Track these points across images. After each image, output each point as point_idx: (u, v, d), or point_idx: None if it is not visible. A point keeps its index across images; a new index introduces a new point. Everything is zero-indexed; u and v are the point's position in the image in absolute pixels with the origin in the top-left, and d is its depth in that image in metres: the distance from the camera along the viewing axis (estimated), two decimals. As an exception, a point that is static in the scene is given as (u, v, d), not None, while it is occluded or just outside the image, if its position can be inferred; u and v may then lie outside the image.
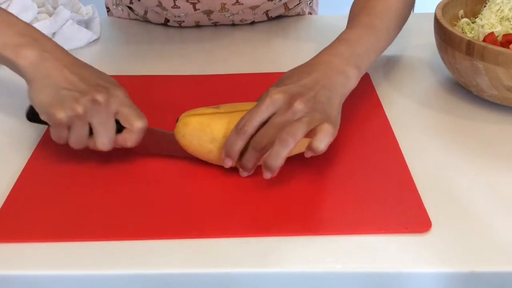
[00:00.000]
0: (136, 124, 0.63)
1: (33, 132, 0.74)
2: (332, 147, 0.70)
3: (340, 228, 0.58)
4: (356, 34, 0.74)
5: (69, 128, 0.63)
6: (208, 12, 0.98)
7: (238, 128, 0.62)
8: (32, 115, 0.65)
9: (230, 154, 0.62)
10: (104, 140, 0.63)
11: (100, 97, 0.62)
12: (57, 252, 0.56)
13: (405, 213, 0.60)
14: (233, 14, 0.99)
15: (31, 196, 0.63)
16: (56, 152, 0.70)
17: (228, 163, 0.62)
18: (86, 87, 0.63)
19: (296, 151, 0.62)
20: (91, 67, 0.67)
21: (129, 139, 0.64)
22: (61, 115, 0.61)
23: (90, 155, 0.70)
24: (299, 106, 0.61)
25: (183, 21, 1.00)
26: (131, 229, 0.59)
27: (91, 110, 0.61)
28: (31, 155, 0.70)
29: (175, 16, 0.98)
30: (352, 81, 0.69)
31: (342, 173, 0.66)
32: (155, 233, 0.58)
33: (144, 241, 0.57)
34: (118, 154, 0.68)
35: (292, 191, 0.62)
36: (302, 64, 0.70)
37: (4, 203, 0.62)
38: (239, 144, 0.61)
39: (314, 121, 0.61)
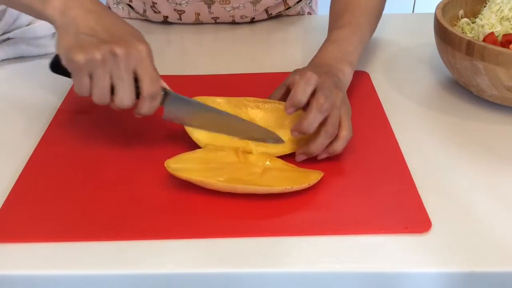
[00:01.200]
0: (146, 88, 0.62)
1: (33, 132, 0.74)
2: (332, 147, 0.70)
3: (340, 228, 0.58)
4: (345, 34, 0.80)
5: (91, 78, 0.62)
6: (209, 2, 0.98)
7: (319, 109, 0.64)
8: (56, 65, 0.65)
9: (309, 128, 0.65)
10: (122, 96, 0.62)
11: (118, 50, 0.61)
12: (57, 252, 0.56)
13: (405, 213, 0.60)
14: (234, 8, 0.99)
15: (31, 196, 0.63)
16: (56, 152, 0.70)
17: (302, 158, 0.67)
18: (107, 37, 0.62)
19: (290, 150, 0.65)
20: (119, 18, 0.66)
21: (142, 106, 0.64)
22: (79, 57, 0.60)
23: (90, 155, 0.70)
24: (328, 82, 0.67)
25: (183, 11, 1.00)
26: (131, 229, 0.59)
27: (110, 61, 0.61)
28: (31, 155, 0.70)
29: (176, 4, 0.98)
30: (348, 76, 0.76)
31: (342, 173, 0.66)
32: (155, 233, 0.58)
33: (144, 241, 0.57)
34: (118, 154, 0.68)
35: (292, 191, 0.62)
36: (305, 67, 0.74)
37: (4, 203, 0.62)
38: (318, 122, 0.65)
39: (341, 104, 0.67)
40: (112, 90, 0.63)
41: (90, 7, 0.64)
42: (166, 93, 0.66)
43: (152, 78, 0.63)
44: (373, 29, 0.86)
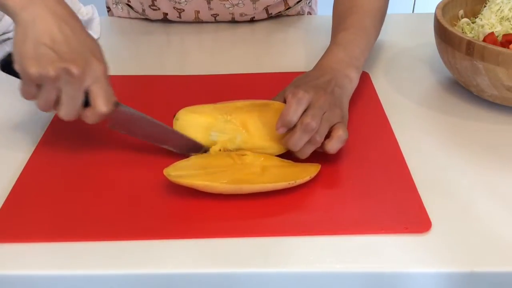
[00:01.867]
0: (99, 107, 0.62)
1: (34, 132, 0.74)
2: (332, 147, 0.70)
3: (340, 228, 0.58)
4: (351, 37, 0.79)
5: (39, 87, 0.61)
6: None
7: (303, 129, 0.63)
8: (7, 64, 0.62)
9: (295, 147, 0.64)
10: (65, 112, 0.62)
11: (75, 70, 0.59)
12: (57, 252, 0.56)
13: (405, 213, 0.60)
14: (233, 5, 0.99)
15: (31, 196, 0.63)
16: (56, 153, 0.70)
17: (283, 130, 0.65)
18: (67, 52, 0.60)
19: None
20: (82, 27, 0.64)
21: (89, 117, 0.63)
22: (33, 70, 0.59)
23: (90, 155, 0.70)
24: (322, 100, 0.66)
25: (183, 10, 1.00)
26: (131, 229, 0.59)
27: (63, 79, 0.60)
28: (31, 155, 0.70)
29: (176, 2, 0.98)
30: (354, 81, 0.75)
31: (342, 173, 0.66)
32: (155, 233, 0.58)
33: (144, 241, 0.57)
34: (118, 154, 0.68)
35: (292, 191, 0.62)
36: (310, 72, 0.74)
37: (4, 203, 0.62)
38: (304, 140, 0.64)
39: (335, 118, 0.67)
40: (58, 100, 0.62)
41: (55, 8, 0.61)
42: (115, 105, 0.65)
43: (106, 98, 0.63)
44: (378, 32, 0.85)
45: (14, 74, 0.63)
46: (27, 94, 0.63)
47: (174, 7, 1.00)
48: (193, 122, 0.67)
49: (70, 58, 0.60)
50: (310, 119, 0.63)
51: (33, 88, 0.62)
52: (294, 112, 0.64)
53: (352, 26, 0.80)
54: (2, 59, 0.63)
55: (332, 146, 0.65)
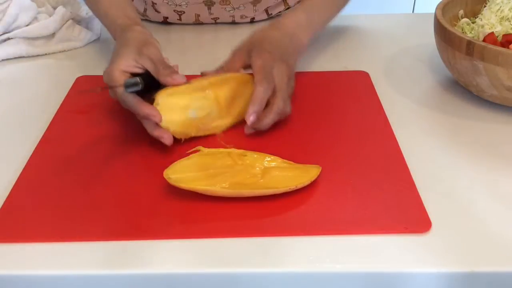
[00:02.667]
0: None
1: (33, 132, 0.74)
2: (332, 146, 0.70)
3: (340, 228, 0.58)
4: (318, 4, 0.86)
5: None
6: (209, 4, 0.98)
7: (263, 84, 0.70)
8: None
9: (258, 111, 0.71)
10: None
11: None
12: (57, 252, 0.56)
13: (405, 213, 0.60)
14: (234, 9, 0.99)
15: (31, 196, 0.63)
16: (56, 153, 0.70)
17: (253, 119, 0.70)
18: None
19: None
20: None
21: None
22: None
23: (90, 155, 0.70)
24: (286, 79, 0.73)
25: (183, 12, 1.00)
26: (131, 229, 0.59)
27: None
28: (31, 155, 0.70)
29: (176, 5, 0.98)
30: (305, 48, 0.82)
31: (342, 173, 0.66)
32: (155, 233, 0.58)
33: (144, 241, 0.57)
34: (118, 154, 0.68)
35: (292, 191, 0.62)
36: (271, 28, 0.80)
37: (4, 203, 0.62)
38: (266, 98, 0.71)
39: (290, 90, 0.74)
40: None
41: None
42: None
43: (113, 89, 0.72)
44: (341, 5, 0.89)
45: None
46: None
47: (174, 10, 1.00)
48: (172, 104, 0.68)
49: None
50: (282, 104, 0.71)
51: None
52: (263, 101, 0.70)
53: None
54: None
55: (267, 120, 0.71)
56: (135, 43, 0.73)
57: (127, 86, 0.67)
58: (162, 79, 0.69)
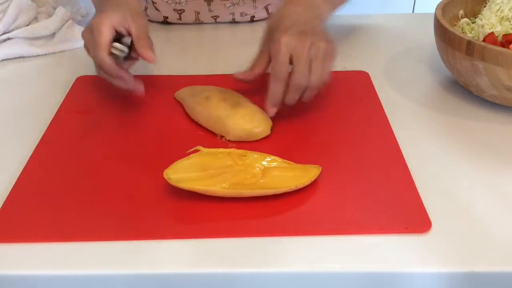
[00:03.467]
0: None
1: (33, 132, 0.74)
2: (332, 147, 0.70)
3: (340, 228, 0.58)
4: None
5: None
6: (209, 0, 0.98)
7: (276, 79, 0.70)
8: None
9: (275, 102, 0.71)
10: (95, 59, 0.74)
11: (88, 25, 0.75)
12: (57, 252, 0.56)
13: (405, 213, 0.60)
14: (233, 4, 0.99)
15: (31, 196, 0.63)
16: (56, 153, 0.70)
17: (274, 112, 0.72)
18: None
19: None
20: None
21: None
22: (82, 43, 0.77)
23: (90, 155, 0.70)
24: (308, 42, 0.70)
25: (183, 10, 1.00)
26: (131, 229, 0.59)
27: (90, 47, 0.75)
28: (31, 155, 0.69)
29: (176, 4, 0.98)
30: (326, 16, 0.80)
31: (342, 173, 0.66)
32: (155, 233, 0.58)
33: (144, 241, 0.57)
34: (118, 154, 0.68)
35: (292, 191, 0.62)
36: (285, 4, 0.77)
37: (4, 203, 0.62)
38: (281, 91, 0.71)
39: (322, 55, 0.71)
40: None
41: None
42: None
43: (94, 52, 0.73)
44: None
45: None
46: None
47: (174, 9, 1.00)
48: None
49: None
50: (301, 77, 0.69)
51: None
52: (277, 95, 0.70)
53: None
54: None
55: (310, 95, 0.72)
56: (129, 7, 0.75)
57: (115, 48, 0.71)
58: (139, 47, 0.72)
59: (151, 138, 0.72)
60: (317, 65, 0.70)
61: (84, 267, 0.55)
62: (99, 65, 0.73)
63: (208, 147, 0.66)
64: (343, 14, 0.91)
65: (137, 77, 0.85)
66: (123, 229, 0.59)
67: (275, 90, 0.70)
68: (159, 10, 1.01)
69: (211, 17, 1.02)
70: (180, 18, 1.02)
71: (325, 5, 0.80)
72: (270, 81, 0.70)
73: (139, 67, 0.89)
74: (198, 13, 1.01)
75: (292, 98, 0.71)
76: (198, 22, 1.03)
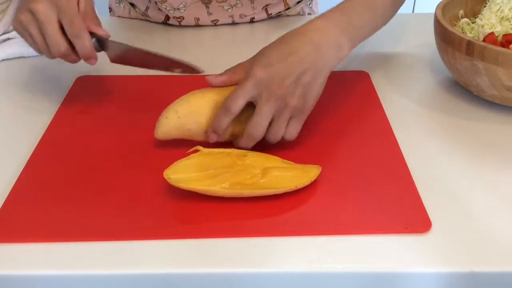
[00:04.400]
0: (68, 31, 0.70)
1: (33, 132, 0.74)
2: (332, 146, 0.70)
3: (340, 228, 0.58)
4: (355, 7, 0.72)
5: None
6: (207, 2, 0.98)
7: (224, 108, 0.66)
8: None
9: (216, 131, 0.67)
10: (51, 44, 0.70)
11: (33, 6, 0.68)
12: (57, 252, 0.56)
13: (405, 213, 0.60)
14: (232, 6, 0.99)
15: (31, 196, 0.63)
16: (57, 153, 0.70)
17: (214, 138, 0.67)
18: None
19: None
20: None
21: (76, 48, 0.72)
22: (14, 23, 0.72)
23: (90, 155, 0.70)
24: (280, 92, 0.64)
25: (183, 18, 1.00)
26: (130, 229, 0.59)
27: (32, 18, 0.69)
28: (31, 156, 0.70)
29: (174, 10, 0.98)
30: (344, 52, 0.69)
31: (342, 173, 0.66)
32: (155, 233, 0.58)
33: (144, 241, 0.57)
34: (118, 154, 0.68)
35: (292, 191, 0.62)
36: (294, 32, 0.69)
37: (4, 203, 0.62)
38: (225, 122, 0.66)
39: (291, 112, 0.66)
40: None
41: None
42: (100, 39, 0.74)
43: (70, 20, 0.69)
44: (387, 15, 0.77)
45: None
46: (31, 45, 0.73)
47: (173, 17, 1.00)
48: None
49: (32, 0, 0.69)
50: (251, 129, 0.65)
51: (29, 39, 0.72)
52: (223, 124, 0.66)
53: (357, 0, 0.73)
54: None
55: (288, 136, 0.67)
56: None
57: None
58: (92, 25, 0.73)
59: (151, 138, 0.72)
60: (277, 123, 0.66)
61: (83, 267, 0.55)
62: (72, 49, 0.72)
63: (208, 147, 0.66)
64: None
65: (137, 77, 0.86)
66: (123, 229, 0.59)
67: (219, 120, 0.66)
68: (161, 10, 1.01)
69: (211, 21, 1.02)
70: (180, 24, 1.02)
71: (344, 41, 0.69)
72: (220, 108, 0.66)
73: (139, 68, 0.89)
74: (198, 19, 1.01)
75: (245, 144, 0.67)
76: (198, 24, 1.03)
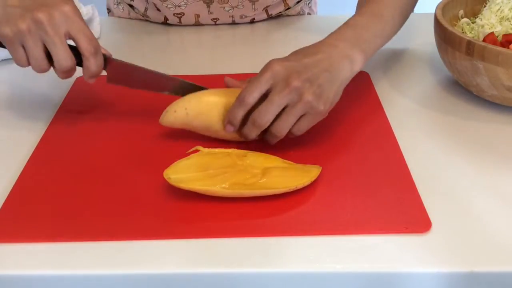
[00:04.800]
0: (85, 47, 0.65)
1: (33, 132, 0.74)
2: (332, 147, 0.70)
3: (340, 228, 0.58)
4: (363, 21, 0.74)
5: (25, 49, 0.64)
6: (208, 1, 0.98)
7: (239, 99, 0.65)
8: None
9: (232, 122, 0.66)
10: (59, 59, 0.65)
11: (41, 15, 0.62)
12: (57, 252, 0.56)
13: (405, 213, 0.60)
14: (233, 7, 0.99)
15: (31, 196, 0.63)
16: (56, 153, 0.70)
17: (230, 129, 0.67)
18: (31, 4, 0.64)
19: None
20: None
21: (88, 65, 0.67)
22: (6, 30, 0.63)
23: (90, 155, 0.70)
24: (296, 83, 0.64)
25: (183, 14, 1.00)
26: (130, 229, 0.59)
27: (35, 28, 0.63)
28: (31, 155, 0.70)
29: (175, 7, 0.98)
30: (357, 65, 0.70)
31: (342, 173, 0.66)
32: (155, 233, 0.58)
33: (144, 241, 0.57)
34: (118, 154, 0.68)
35: (292, 191, 0.62)
36: (309, 46, 0.71)
37: (4, 203, 0.62)
38: (240, 114, 0.65)
39: (304, 108, 0.65)
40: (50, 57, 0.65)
41: None
42: (105, 58, 0.69)
43: (87, 35, 0.65)
44: (397, 25, 0.79)
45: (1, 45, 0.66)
46: (19, 60, 0.66)
47: (174, 14, 1.00)
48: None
49: (35, 7, 0.63)
50: (258, 116, 0.64)
51: (20, 50, 0.65)
52: (237, 116, 0.65)
53: (367, 12, 0.76)
54: None
55: (296, 131, 0.66)
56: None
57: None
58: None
59: (151, 138, 0.72)
60: (287, 115, 0.64)
61: (83, 267, 0.55)
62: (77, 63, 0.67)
63: (208, 147, 0.66)
64: (344, 14, 0.91)
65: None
66: (123, 229, 0.59)
67: (234, 112, 0.65)
68: (159, 10, 1.01)
69: (211, 19, 1.02)
70: (180, 21, 1.02)
71: (356, 54, 0.70)
72: (236, 99, 0.66)
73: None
74: (198, 16, 1.01)
75: (248, 131, 0.66)
76: (198, 24, 1.03)
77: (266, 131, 0.66)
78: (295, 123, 0.65)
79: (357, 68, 0.70)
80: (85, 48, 0.65)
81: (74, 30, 0.65)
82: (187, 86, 0.72)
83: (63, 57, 0.65)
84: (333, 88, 0.67)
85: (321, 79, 0.65)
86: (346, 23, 0.74)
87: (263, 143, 0.68)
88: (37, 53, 0.65)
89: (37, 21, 0.63)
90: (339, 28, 0.73)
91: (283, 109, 0.64)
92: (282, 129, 0.65)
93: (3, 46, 0.68)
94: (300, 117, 0.65)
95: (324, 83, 0.66)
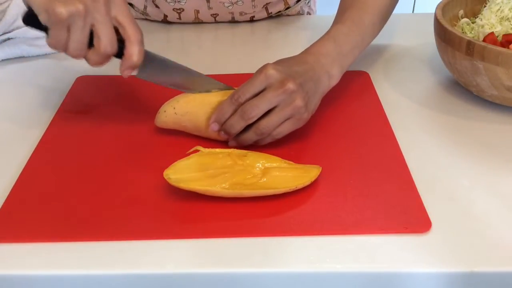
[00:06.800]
0: (133, 34, 0.64)
1: (33, 132, 0.74)
2: (332, 146, 0.70)
3: (340, 228, 0.58)
4: (344, 31, 0.77)
5: (68, 31, 0.61)
6: None
7: (232, 97, 0.67)
8: (30, 18, 0.62)
9: (219, 119, 0.67)
10: (105, 41, 0.62)
11: (91, 2, 0.60)
12: (57, 252, 0.56)
13: (405, 213, 0.60)
14: (232, 4, 0.99)
15: (31, 196, 0.63)
16: (57, 153, 0.70)
17: (215, 128, 0.68)
18: None
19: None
20: None
21: (132, 53, 0.64)
22: (61, 9, 0.59)
23: (90, 155, 0.70)
24: (290, 86, 0.66)
25: (183, 10, 1.00)
26: (130, 229, 0.59)
27: (91, 8, 0.60)
28: (31, 156, 0.70)
29: (175, 2, 0.98)
30: (333, 80, 0.73)
31: (342, 173, 0.66)
32: (155, 233, 0.58)
33: (144, 241, 0.57)
34: (118, 154, 0.68)
35: (292, 191, 0.62)
36: (294, 56, 0.73)
37: (4, 203, 0.62)
38: (229, 111, 0.67)
39: (292, 112, 0.67)
40: (90, 43, 0.63)
41: None
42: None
43: (134, 22, 0.64)
44: (377, 30, 0.82)
45: (39, 26, 0.63)
46: (58, 42, 0.62)
47: (173, 9, 1.00)
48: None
49: None
50: (247, 109, 0.65)
51: (63, 32, 0.61)
52: (225, 113, 0.66)
53: (349, 20, 0.78)
54: (25, 12, 0.63)
55: (276, 135, 0.67)
56: None
57: None
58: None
59: (151, 138, 0.72)
60: (276, 114, 0.66)
61: (83, 267, 0.55)
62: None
63: (208, 147, 0.66)
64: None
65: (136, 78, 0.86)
66: (123, 229, 0.59)
67: (223, 109, 0.67)
68: (158, 7, 1.01)
69: (211, 15, 1.02)
70: (179, 18, 1.02)
71: (335, 70, 0.73)
72: (228, 97, 0.67)
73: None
74: (198, 11, 1.01)
75: (234, 122, 0.66)
76: (197, 21, 1.03)
77: (247, 128, 0.67)
78: (278, 126, 0.67)
79: (333, 83, 0.73)
80: (133, 34, 0.63)
81: (122, 14, 0.63)
82: (219, 87, 0.72)
83: (110, 40, 0.62)
84: (316, 98, 0.70)
85: (307, 87, 0.68)
86: (328, 34, 0.76)
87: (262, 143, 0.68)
88: (83, 37, 0.62)
89: (86, 4, 0.60)
90: (322, 39, 0.76)
91: (271, 109, 0.66)
92: (267, 127, 0.66)
93: (38, 27, 0.63)
94: (284, 120, 0.67)
95: (310, 92, 0.69)
